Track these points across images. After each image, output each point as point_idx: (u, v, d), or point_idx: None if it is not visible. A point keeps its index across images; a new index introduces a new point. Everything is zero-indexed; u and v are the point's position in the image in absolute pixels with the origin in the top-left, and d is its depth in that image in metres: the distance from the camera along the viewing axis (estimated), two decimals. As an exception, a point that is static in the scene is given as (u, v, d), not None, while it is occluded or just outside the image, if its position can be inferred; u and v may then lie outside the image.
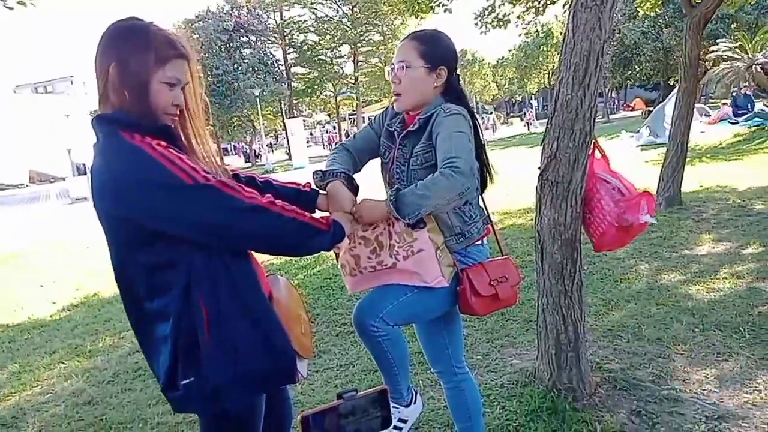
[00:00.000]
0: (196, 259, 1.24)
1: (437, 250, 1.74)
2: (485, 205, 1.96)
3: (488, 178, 1.93)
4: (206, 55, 29.97)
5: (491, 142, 26.08)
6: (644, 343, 3.12)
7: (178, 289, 1.23)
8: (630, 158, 12.05)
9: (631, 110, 32.55)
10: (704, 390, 2.58)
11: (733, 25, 22.85)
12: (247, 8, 32.54)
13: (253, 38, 33.64)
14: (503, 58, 48.14)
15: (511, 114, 56.66)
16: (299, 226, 1.33)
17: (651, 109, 20.50)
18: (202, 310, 1.23)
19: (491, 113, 40.51)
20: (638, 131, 15.79)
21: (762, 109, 14.86)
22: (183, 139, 1.34)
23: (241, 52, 31.92)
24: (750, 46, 14.78)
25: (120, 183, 1.18)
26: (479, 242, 1.89)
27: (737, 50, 15.03)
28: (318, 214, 1.66)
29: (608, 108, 33.61)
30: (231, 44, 31.40)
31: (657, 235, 5.49)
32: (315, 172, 1.82)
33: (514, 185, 8.27)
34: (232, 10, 32.28)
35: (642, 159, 11.69)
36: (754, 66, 13.69)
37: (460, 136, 1.65)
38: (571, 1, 2.47)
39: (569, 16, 2.46)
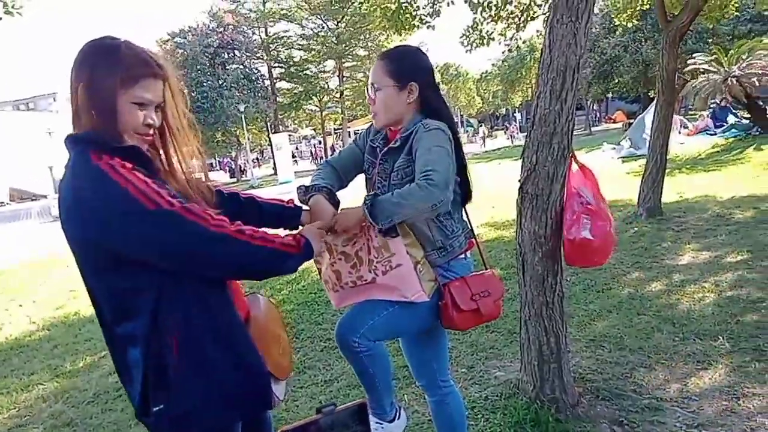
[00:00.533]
0: (165, 283, 1.22)
1: (417, 264, 1.75)
2: (468, 219, 1.98)
3: (470, 193, 1.96)
4: (190, 71, 29.97)
5: (477, 155, 26.29)
6: (626, 353, 3.15)
7: (146, 314, 1.20)
8: (611, 170, 12.24)
9: (613, 122, 33.11)
10: (684, 398, 2.61)
11: (710, 39, 23.43)
12: (232, 26, 32.59)
13: (238, 54, 33.73)
14: (487, 71, 48.71)
15: (495, 127, 57.24)
16: (267, 254, 1.30)
17: (631, 121, 20.89)
18: (172, 334, 1.21)
19: (481, 126, 41.33)
20: (619, 143, 16.05)
21: (739, 121, 15.19)
22: (163, 158, 1.33)
23: (225, 68, 31.95)
24: (725, 59, 15.12)
25: (83, 205, 1.17)
26: (462, 256, 1.91)
27: (713, 63, 15.36)
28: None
29: (590, 120, 34.12)
30: (215, 60, 31.42)
31: (639, 245, 5.56)
32: (299, 187, 1.85)
33: (499, 198, 8.35)
34: (218, 27, 32.33)
35: (623, 170, 11.87)
36: (729, 78, 13.99)
37: (439, 151, 1.67)
38: (548, 18, 2.53)
39: (546, 32, 2.51)
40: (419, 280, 1.74)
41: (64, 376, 4.03)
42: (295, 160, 40.38)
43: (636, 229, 6.29)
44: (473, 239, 1.98)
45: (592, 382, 2.82)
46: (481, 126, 42.32)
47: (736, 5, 10.55)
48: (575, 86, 2.48)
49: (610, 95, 34.26)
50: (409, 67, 1.84)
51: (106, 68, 1.21)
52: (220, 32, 31.87)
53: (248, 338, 1.35)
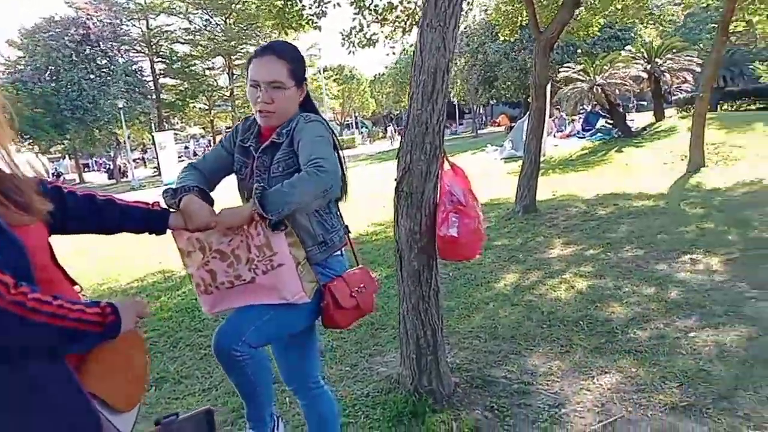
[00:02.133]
0: None
1: (298, 265, 1.72)
2: (342, 217, 1.98)
3: (345, 191, 1.97)
4: (57, 67, 27.49)
5: (370, 155, 26.64)
6: (500, 342, 3.33)
7: None
8: (494, 170, 12.99)
9: (497, 126, 35.07)
10: (548, 381, 2.81)
11: (578, 51, 25.68)
12: (94, 18, 30.07)
13: (115, 47, 31.41)
14: (381, 74, 49.53)
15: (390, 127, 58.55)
16: (55, 332, 1.07)
17: (513, 124, 22.27)
18: None
19: (390, 126, 42.76)
20: (501, 145, 17.06)
21: (603, 125, 16.77)
22: None
23: (97, 63, 29.52)
24: (591, 69, 16.61)
25: None
26: (339, 253, 1.91)
27: (581, 72, 16.83)
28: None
29: (477, 124, 35.97)
30: (81, 55, 28.87)
31: (516, 241, 5.93)
32: (165, 191, 1.72)
33: (389, 197, 8.49)
34: (78, 18, 29.73)
35: (505, 170, 12.62)
36: (595, 87, 15.42)
37: (322, 141, 1.69)
38: (419, 22, 2.61)
39: (418, 36, 2.60)
40: (300, 281, 1.71)
41: None
42: (181, 160, 38.38)
43: (513, 225, 6.72)
44: (348, 236, 1.99)
45: (467, 372, 2.95)
46: (389, 126, 43.96)
47: (599, 26, 11.74)
48: (445, 88, 2.58)
49: (494, 101, 36.30)
50: (304, 67, 1.86)
51: None
52: (83, 24, 29.32)
53: (64, 375, 1.15)
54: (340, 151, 1.88)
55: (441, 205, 2.52)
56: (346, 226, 1.97)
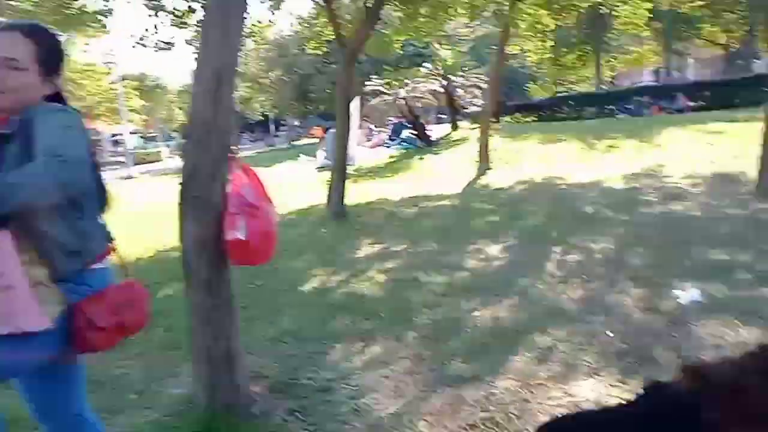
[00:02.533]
0: None
1: (36, 285, 1.44)
2: (104, 225, 1.74)
3: (108, 200, 1.73)
4: None
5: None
6: (305, 344, 3.29)
7: None
8: (309, 179, 13.10)
9: (313, 137, 35.61)
10: (351, 375, 2.84)
11: (386, 65, 27.42)
12: None
13: None
14: (189, 84, 46.87)
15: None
16: None
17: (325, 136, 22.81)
18: None
19: None
20: (314, 155, 17.35)
21: (408, 136, 18.05)
22: None
23: None
24: (397, 83, 17.82)
25: None
26: (99, 264, 1.65)
27: (386, 86, 17.96)
28: None
29: (292, 135, 36.12)
30: None
31: (325, 244, 6.01)
32: None
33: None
34: None
35: (320, 179, 12.80)
36: (398, 100, 16.56)
37: (69, 130, 1.46)
38: (202, 20, 2.49)
39: (202, 33, 2.47)
40: (38, 305, 1.43)
41: None
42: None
43: (324, 230, 6.81)
44: (112, 245, 1.75)
45: (269, 378, 2.84)
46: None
47: (400, 43, 12.68)
48: (231, 85, 2.49)
49: (310, 109, 36.88)
50: (56, 57, 1.60)
51: None
52: None
53: None
54: (94, 155, 1.65)
55: (229, 208, 2.39)
56: (109, 234, 1.74)
